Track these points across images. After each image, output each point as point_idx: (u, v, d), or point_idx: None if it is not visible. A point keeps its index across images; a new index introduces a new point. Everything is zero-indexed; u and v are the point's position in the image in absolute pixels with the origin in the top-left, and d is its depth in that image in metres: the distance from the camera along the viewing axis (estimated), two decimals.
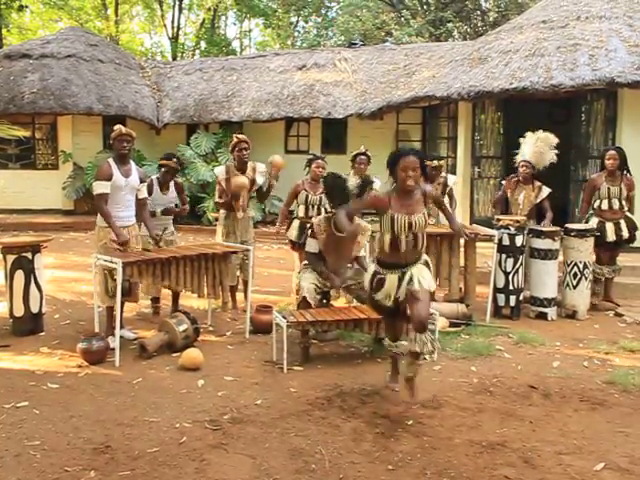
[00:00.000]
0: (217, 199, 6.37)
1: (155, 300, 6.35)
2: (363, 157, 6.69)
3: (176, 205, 6.39)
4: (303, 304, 5.31)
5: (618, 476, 3.31)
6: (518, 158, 7.02)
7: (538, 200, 6.87)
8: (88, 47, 14.62)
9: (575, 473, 3.33)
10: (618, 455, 3.51)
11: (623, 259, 7.09)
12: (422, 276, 4.07)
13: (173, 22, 26.70)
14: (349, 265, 5.61)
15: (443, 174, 6.78)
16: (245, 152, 6.26)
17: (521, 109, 9.84)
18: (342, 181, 5.25)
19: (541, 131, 6.92)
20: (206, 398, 4.27)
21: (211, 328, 5.92)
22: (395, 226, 4.01)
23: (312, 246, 5.50)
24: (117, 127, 5.44)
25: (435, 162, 6.61)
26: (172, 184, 6.26)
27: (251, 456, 3.45)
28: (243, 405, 4.14)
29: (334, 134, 13.45)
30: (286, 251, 10.27)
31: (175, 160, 6.18)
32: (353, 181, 5.25)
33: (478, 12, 21.12)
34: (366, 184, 5.27)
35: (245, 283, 6.20)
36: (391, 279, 4.11)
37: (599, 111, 9.01)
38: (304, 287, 5.37)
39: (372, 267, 4.28)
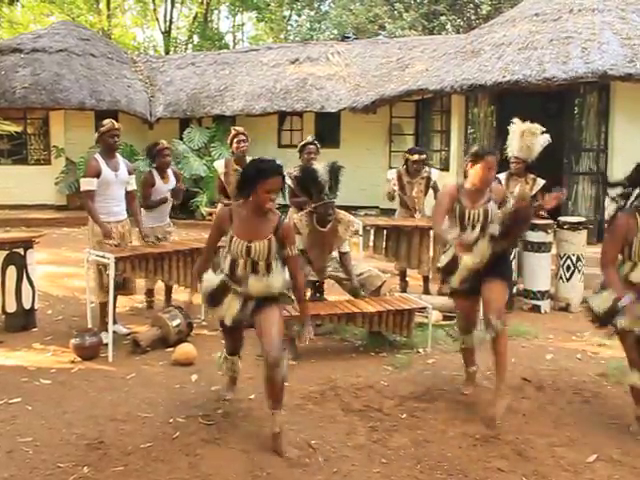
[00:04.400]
0: (218, 195, 6.35)
1: (149, 294, 6.35)
2: (312, 146, 6.47)
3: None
4: None
5: (610, 467, 3.33)
6: (508, 153, 7.00)
7: (533, 192, 6.86)
8: (80, 41, 14.51)
9: (568, 465, 3.34)
10: (610, 447, 3.53)
11: None
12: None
13: (165, 16, 26.54)
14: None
15: (426, 169, 6.75)
16: (243, 144, 6.26)
17: (514, 102, 9.81)
18: (313, 171, 5.27)
19: (527, 123, 6.87)
20: (199, 393, 4.26)
21: (204, 323, 5.91)
22: (232, 248, 3.58)
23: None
24: (108, 121, 5.41)
25: (416, 156, 6.57)
26: (171, 173, 6.24)
27: (244, 451, 3.45)
28: (236, 400, 4.14)
29: (327, 128, 13.42)
30: None
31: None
32: (322, 169, 5.26)
33: (471, 5, 21.05)
34: (336, 169, 5.29)
35: None
36: (234, 294, 3.64)
37: (592, 104, 9.01)
38: None
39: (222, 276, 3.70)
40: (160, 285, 6.19)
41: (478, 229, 4.08)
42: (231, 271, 3.62)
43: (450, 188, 4.25)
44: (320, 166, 5.34)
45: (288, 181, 5.74)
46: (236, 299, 3.62)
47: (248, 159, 6.30)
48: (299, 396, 4.21)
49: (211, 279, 3.68)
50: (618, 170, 8.86)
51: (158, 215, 6.10)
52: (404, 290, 6.72)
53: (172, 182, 6.22)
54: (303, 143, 6.63)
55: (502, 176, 7.02)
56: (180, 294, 6.39)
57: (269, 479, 3.19)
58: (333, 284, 5.86)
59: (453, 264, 4.13)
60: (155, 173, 6.12)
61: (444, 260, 4.25)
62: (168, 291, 6.17)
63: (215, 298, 3.68)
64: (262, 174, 3.48)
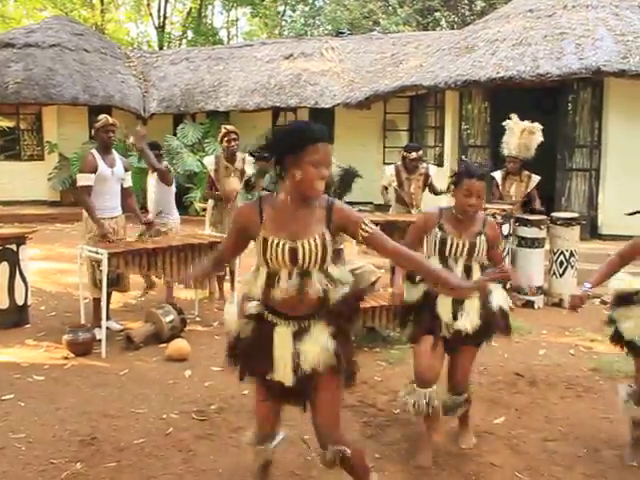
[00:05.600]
0: (207, 190, 6.44)
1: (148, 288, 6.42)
2: None
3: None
4: None
5: (602, 462, 3.33)
6: (505, 151, 7.00)
7: (529, 189, 6.88)
8: (73, 36, 14.44)
9: (560, 459, 3.35)
10: (602, 441, 3.54)
11: (611, 246, 7.09)
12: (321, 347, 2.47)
13: (159, 11, 26.42)
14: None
15: (424, 165, 6.76)
16: (234, 143, 6.29)
17: (508, 98, 9.83)
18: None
19: (526, 122, 6.89)
20: (193, 389, 4.26)
21: (198, 318, 5.91)
22: (268, 254, 2.44)
23: None
24: (102, 117, 5.41)
25: (414, 154, 6.58)
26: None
27: (238, 446, 3.44)
28: (230, 395, 4.13)
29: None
30: None
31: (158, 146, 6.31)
32: (335, 171, 5.21)
33: (465, 1, 21.05)
34: (349, 175, 5.24)
35: (232, 273, 6.19)
36: (282, 334, 2.52)
37: (586, 100, 9.03)
38: None
39: (252, 306, 2.62)
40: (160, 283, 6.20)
41: (461, 265, 3.27)
42: (266, 294, 2.48)
43: (429, 213, 3.46)
44: (335, 168, 5.29)
45: None
46: (287, 339, 2.50)
47: (239, 156, 6.34)
48: None
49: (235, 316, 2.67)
50: (612, 166, 8.89)
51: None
52: None
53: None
54: None
55: (498, 174, 7.03)
56: (174, 290, 6.38)
57: None
58: None
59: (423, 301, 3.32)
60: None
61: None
62: (169, 289, 6.15)
63: (253, 350, 2.61)
64: (308, 138, 2.41)
